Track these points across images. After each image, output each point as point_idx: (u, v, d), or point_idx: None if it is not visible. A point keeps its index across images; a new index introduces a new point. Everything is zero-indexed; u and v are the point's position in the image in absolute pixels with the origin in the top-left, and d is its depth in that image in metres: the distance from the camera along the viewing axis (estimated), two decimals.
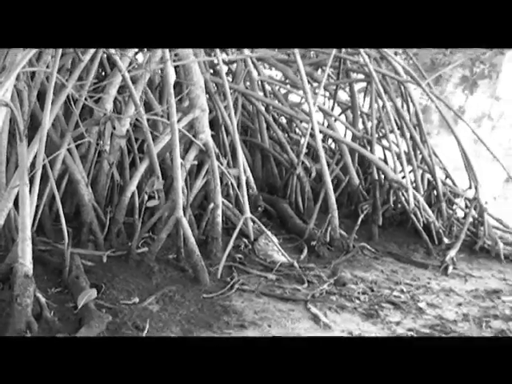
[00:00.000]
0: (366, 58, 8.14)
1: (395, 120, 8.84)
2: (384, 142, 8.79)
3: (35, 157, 5.38)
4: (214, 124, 7.91)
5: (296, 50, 7.59)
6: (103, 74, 7.70)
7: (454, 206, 9.07)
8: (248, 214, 6.68)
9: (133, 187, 6.48)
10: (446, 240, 8.14)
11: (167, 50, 6.03)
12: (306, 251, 7.15)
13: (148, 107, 7.24)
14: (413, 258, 7.64)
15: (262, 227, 6.75)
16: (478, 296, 6.84)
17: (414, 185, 8.57)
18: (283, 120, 9.22)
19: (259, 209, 7.68)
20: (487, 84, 39.62)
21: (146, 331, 5.00)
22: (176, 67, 7.72)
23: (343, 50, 8.58)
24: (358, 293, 6.41)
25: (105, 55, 7.04)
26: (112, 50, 6.18)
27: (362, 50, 8.14)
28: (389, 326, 5.86)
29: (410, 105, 8.88)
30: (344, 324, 5.80)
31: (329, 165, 8.49)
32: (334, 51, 8.08)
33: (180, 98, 7.32)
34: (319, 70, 9.47)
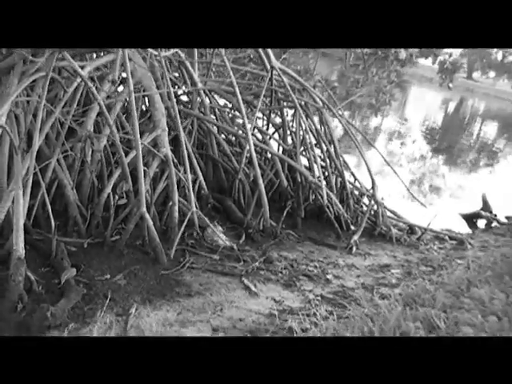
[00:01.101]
0: (290, 91, 8.18)
1: (315, 137, 8.90)
2: (306, 154, 8.80)
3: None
4: (176, 140, 7.87)
5: (235, 84, 7.62)
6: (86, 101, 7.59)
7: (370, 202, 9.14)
8: (194, 208, 6.68)
9: (108, 190, 6.44)
10: (352, 227, 8.24)
11: (131, 84, 5.99)
12: (243, 237, 7.15)
13: (123, 127, 7.24)
14: (326, 241, 7.69)
15: (206, 220, 6.74)
16: (373, 269, 6.93)
17: (329, 186, 8.59)
18: (229, 137, 9.19)
19: (209, 205, 7.68)
20: (397, 108, 40.10)
21: (108, 299, 5.07)
22: (143, 96, 7.74)
23: (274, 83, 8.59)
24: (281, 268, 6.45)
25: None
26: (90, 84, 6.13)
27: (287, 84, 8.17)
28: (303, 293, 5.91)
29: (326, 126, 8.91)
30: (269, 292, 5.84)
31: (264, 171, 8.53)
32: (266, 85, 8.11)
33: (144, 120, 7.36)
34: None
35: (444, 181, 17.26)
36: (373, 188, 8.55)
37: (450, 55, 10.53)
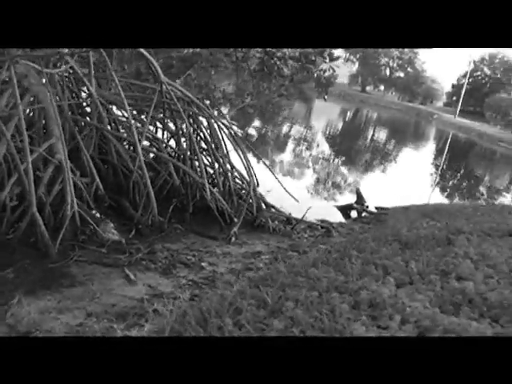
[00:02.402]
0: (177, 103, 8.13)
1: (204, 143, 8.90)
2: (196, 157, 8.76)
3: None
4: (76, 148, 7.69)
5: (123, 96, 7.49)
6: None
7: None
8: (76, 207, 6.48)
9: (5, 193, 6.19)
10: (235, 220, 8.23)
11: (18, 98, 5.78)
12: (133, 232, 7.04)
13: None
14: (209, 233, 7.66)
15: (88, 218, 6.58)
16: (246, 256, 6.95)
17: (215, 185, 8.60)
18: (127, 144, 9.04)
19: (105, 204, 7.52)
20: (304, 116, 40.54)
21: None
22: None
23: (168, 96, 8.48)
24: (162, 258, 6.38)
25: None
26: None
27: (174, 97, 8.10)
28: (177, 279, 5.87)
29: (214, 133, 8.90)
30: (147, 280, 5.77)
31: (160, 172, 8.45)
32: (156, 98, 8.01)
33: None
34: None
35: (344, 179, 17.69)
36: (249, 184, 8.58)
37: (325, 71, 10.72)
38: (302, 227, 8.88)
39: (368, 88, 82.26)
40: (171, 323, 3.59)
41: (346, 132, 38.16)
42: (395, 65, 78.89)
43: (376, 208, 12.00)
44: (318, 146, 25.00)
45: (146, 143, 9.05)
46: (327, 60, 10.10)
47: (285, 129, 29.61)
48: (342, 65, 79.53)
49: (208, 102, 12.02)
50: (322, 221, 9.69)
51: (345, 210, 11.25)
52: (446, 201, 17.27)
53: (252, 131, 23.66)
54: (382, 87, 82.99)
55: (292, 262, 5.92)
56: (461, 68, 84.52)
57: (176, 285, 5.68)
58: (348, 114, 58.54)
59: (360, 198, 12.00)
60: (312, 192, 14.08)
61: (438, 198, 17.55)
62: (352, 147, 28.38)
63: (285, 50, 10.65)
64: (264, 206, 8.79)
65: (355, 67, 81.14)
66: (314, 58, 10.11)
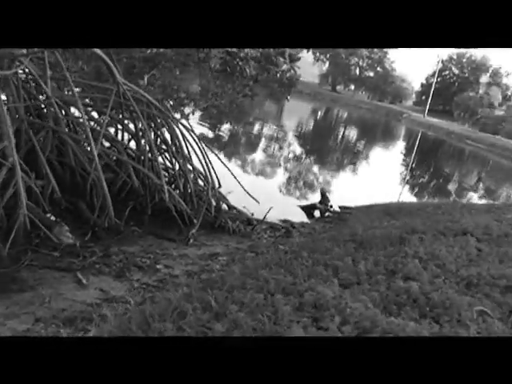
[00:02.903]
0: (134, 104, 8.05)
1: (164, 144, 8.85)
2: (155, 158, 8.68)
3: None
4: (31, 151, 7.57)
5: (77, 97, 7.41)
6: None
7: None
8: (25, 211, 6.37)
9: None
10: (195, 221, 8.19)
11: None
12: (90, 234, 6.95)
13: None
14: (168, 235, 7.61)
15: (38, 222, 6.46)
16: (203, 258, 6.93)
17: (175, 186, 8.55)
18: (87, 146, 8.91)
19: (61, 207, 7.41)
20: (275, 116, 40.67)
21: None
22: None
23: (127, 96, 8.39)
24: (117, 261, 6.31)
25: None
26: None
27: (131, 98, 8.02)
28: (131, 282, 5.81)
29: (174, 135, 8.85)
30: (100, 284, 5.71)
31: (119, 174, 8.37)
32: (113, 98, 7.93)
33: None
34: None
35: (315, 177, 17.78)
36: (208, 186, 8.54)
37: (286, 72, 10.74)
38: (263, 227, 8.89)
39: (338, 87, 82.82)
40: (111, 329, 3.55)
41: (317, 131, 38.39)
42: (365, 64, 79.61)
43: (340, 207, 12.10)
44: (289, 145, 25.12)
45: (107, 144, 8.95)
46: (287, 61, 10.12)
47: (256, 128, 29.67)
48: (312, 65, 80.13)
49: (172, 103, 12.02)
50: (285, 221, 9.73)
51: (308, 209, 11.30)
52: (414, 199, 17.51)
53: (223, 131, 23.71)
54: (352, 87, 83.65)
55: (246, 264, 5.92)
56: (430, 67, 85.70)
57: (129, 288, 5.63)
58: (319, 113, 58.86)
59: (324, 198, 12.08)
60: (283, 191, 14.15)
61: (407, 196, 17.75)
62: (323, 146, 28.57)
63: (247, 50, 10.64)
64: (227, 207, 8.78)
65: (325, 67, 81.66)
66: (274, 59, 10.12)
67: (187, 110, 12.54)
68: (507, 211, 11.10)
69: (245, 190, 9.00)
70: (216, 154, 9.21)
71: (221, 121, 24.52)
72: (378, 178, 20.82)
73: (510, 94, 77.48)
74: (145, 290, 5.57)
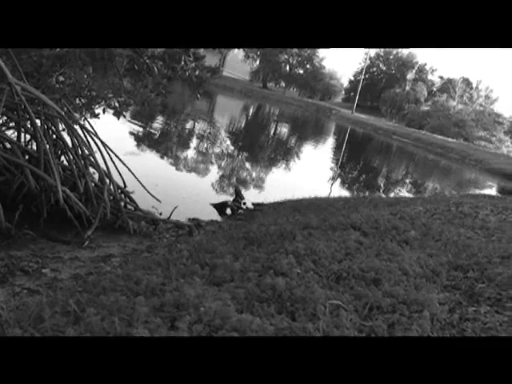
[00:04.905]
0: (26, 104, 7.82)
1: (64, 145, 8.66)
2: (52, 159, 8.45)
3: None
4: None
5: None
6: None
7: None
8: None
9: None
10: (94, 222, 8.04)
11: None
12: None
13: None
14: (63, 237, 7.42)
15: None
16: (95, 260, 6.81)
17: (75, 187, 8.37)
18: None
19: None
20: (207, 113, 40.52)
21: None
22: None
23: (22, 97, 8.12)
24: (1, 266, 6.11)
25: None
26: None
27: (23, 97, 7.79)
28: (13, 288, 5.66)
29: (72, 135, 8.65)
30: None
31: (15, 175, 8.13)
32: (4, 100, 7.67)
33: None
34: None
35: (248, 174, 17.83)
36: (104, 186, 8.42)
37: (195, 70, 10.73)
38: (168, 227, 8.85)
39: (269, 84, 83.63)
40: None
41: (250, 128, 38.60)
42: (295, 62, 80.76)
43: (253, 204, 12.23)
44: (221, 142, 25.10)
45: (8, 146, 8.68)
46: (191, 59, 10.10)
47: (188, 125, 29.52)
48: (243, 62, 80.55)
49: (83, 101, 11.76)
50: (193, 219, 9.73)
51: (220, 207, 11.36)
52: (347, 193, 17.86)
53: (155, 128, 23.49)
54: (282, 84, 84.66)
55: (128, 265, 5.88)
56: (358, 64, 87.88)
57: (11, 293, 5.47)
58: (250, 110, 59.18)
59: (238, 196, 12.21)
60: (217, 188, 14.15)
61: (337, 191, 18.06)
62: (255, 143, 28.74)
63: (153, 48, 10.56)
64: (133, 208, 8.69)
65: (256, 64, 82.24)
66: (177, 57, 10.08)
67: (98, 110, 12.33)
68: (413, 204, 11.54)
69: (146, 189, 8.94)
70: (117, 155, 9.05)
71: (153, 118, 24.26)
72: (309, 174, 21.18)
73: (435, 90, 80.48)
74: (26, 295, 5.43)
